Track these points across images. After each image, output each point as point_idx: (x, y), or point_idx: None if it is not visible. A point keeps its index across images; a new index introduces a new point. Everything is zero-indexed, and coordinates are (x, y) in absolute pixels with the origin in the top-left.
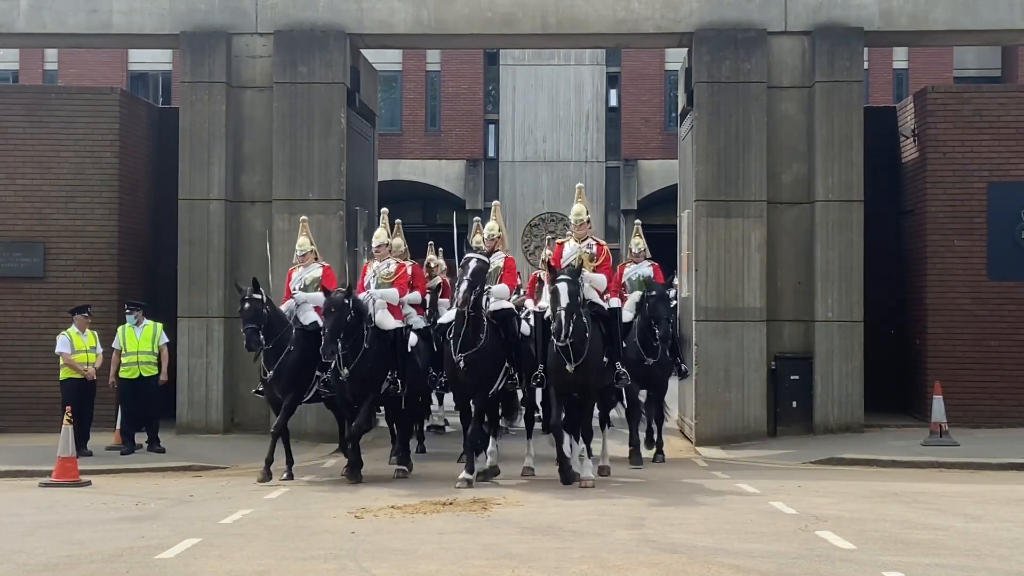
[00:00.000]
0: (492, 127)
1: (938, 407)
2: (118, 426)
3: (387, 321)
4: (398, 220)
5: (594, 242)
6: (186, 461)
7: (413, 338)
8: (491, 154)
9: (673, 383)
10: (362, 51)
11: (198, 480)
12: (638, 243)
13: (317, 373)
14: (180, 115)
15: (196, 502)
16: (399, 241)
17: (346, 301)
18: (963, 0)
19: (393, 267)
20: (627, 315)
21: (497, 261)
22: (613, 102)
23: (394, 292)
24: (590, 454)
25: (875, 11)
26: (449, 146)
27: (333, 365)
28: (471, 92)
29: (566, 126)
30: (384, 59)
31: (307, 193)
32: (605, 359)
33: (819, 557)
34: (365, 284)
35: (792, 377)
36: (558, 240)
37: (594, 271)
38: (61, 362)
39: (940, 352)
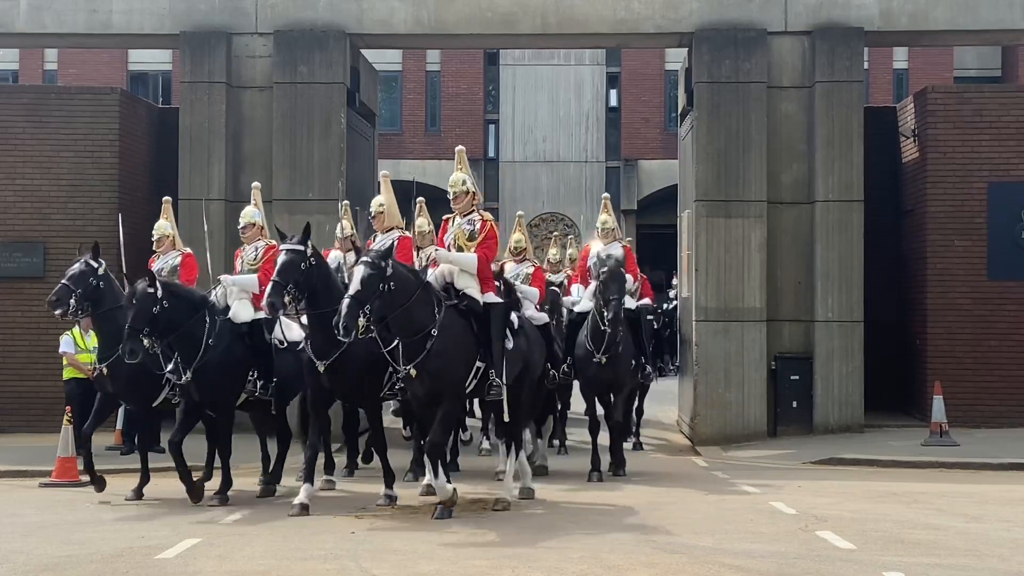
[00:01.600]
0: (492, 127)
1: (938, 407)
2: (119, 426)
3: (242, 312)
4: (351, 204)
5: (478, 217)
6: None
7: (296, 330)
8: (491, 154)
9: (673, 385)
10: (362, 51)
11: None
12: (606, 221)
13: (168, 376)
14: (180, 115)
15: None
16: (346, 224)
17: (151, 290)
18: (963, 0)
19: (261, 251)
20: (586, 303)
21: (388, 241)
22: (613, 102)
23: (252, 279)
24: (423, 475)
25: (875, 11)
26: (449, 146)
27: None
28: (471, 92)
29: (566, 126)
30: (384, 59)
31: (307, 193)
32: (480, 364)
33: (819, 557)
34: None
35: (792, 377)
36: (445, 216)
37: (474, 251)
38: (64, 362)
39: (940, 352)
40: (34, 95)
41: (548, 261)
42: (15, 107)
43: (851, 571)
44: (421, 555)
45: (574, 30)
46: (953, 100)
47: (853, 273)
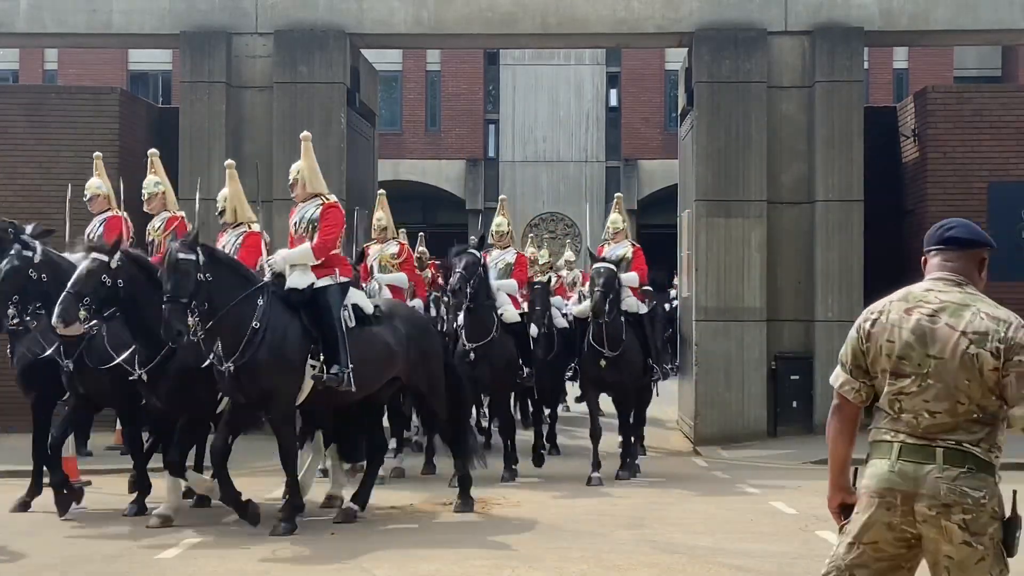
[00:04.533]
0: (492, 127)
1: None
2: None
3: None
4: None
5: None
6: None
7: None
8: (491, 154)
9: (673, 385)
10: (362, 51)
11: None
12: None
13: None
14: (180, 115)
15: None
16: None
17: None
18: (963, 0)
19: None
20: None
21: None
22: (613, 102)
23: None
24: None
25: (875, 11)
26: (449, 146)
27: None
28: (471, 92)
29: (566, 126)
30: (384, 59)
31: None
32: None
33: (819, 557)
34: None
35: (792, 377)
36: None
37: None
38: None
39: None
40: (34, 95)
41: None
42: (15, 107)
43: None
44: (421, 555)
45: (574, 30)
46: (953, 100)
47: (853, 273)
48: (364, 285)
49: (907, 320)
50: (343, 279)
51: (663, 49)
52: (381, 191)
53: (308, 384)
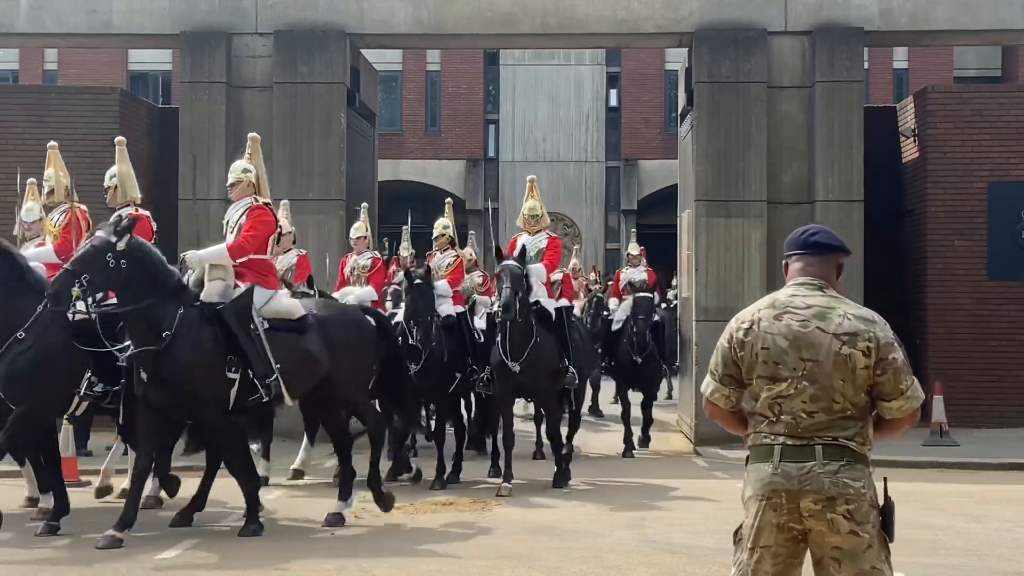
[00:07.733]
0: (492, 127)
1: (938, 407)
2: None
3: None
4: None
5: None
6: (186, 461)
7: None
8: (491, 154)
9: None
10: (362, 51)
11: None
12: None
13: None
14: (180, 115)
15: None
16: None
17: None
18: (963, 0)
19: None
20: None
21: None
22: (613, 102)
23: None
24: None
25: (875, 11)
26: (449, 146)
27: None
28: (471, 92)
29: (566, 126)
30: (384, 59)
31: (307, 193)
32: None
33: None
34: None
35: None
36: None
37: None
38: None
39: (940, 352)
40: (34, 95)
41: None
42: (15, 107)
43: None
44: (421, 555)
45: (574, 30)
46: (953, 100)
47: (853, 273)
48: None
49: (778, 326)
50: None
51: (663, 49)
52: (51, 143)
53: None
